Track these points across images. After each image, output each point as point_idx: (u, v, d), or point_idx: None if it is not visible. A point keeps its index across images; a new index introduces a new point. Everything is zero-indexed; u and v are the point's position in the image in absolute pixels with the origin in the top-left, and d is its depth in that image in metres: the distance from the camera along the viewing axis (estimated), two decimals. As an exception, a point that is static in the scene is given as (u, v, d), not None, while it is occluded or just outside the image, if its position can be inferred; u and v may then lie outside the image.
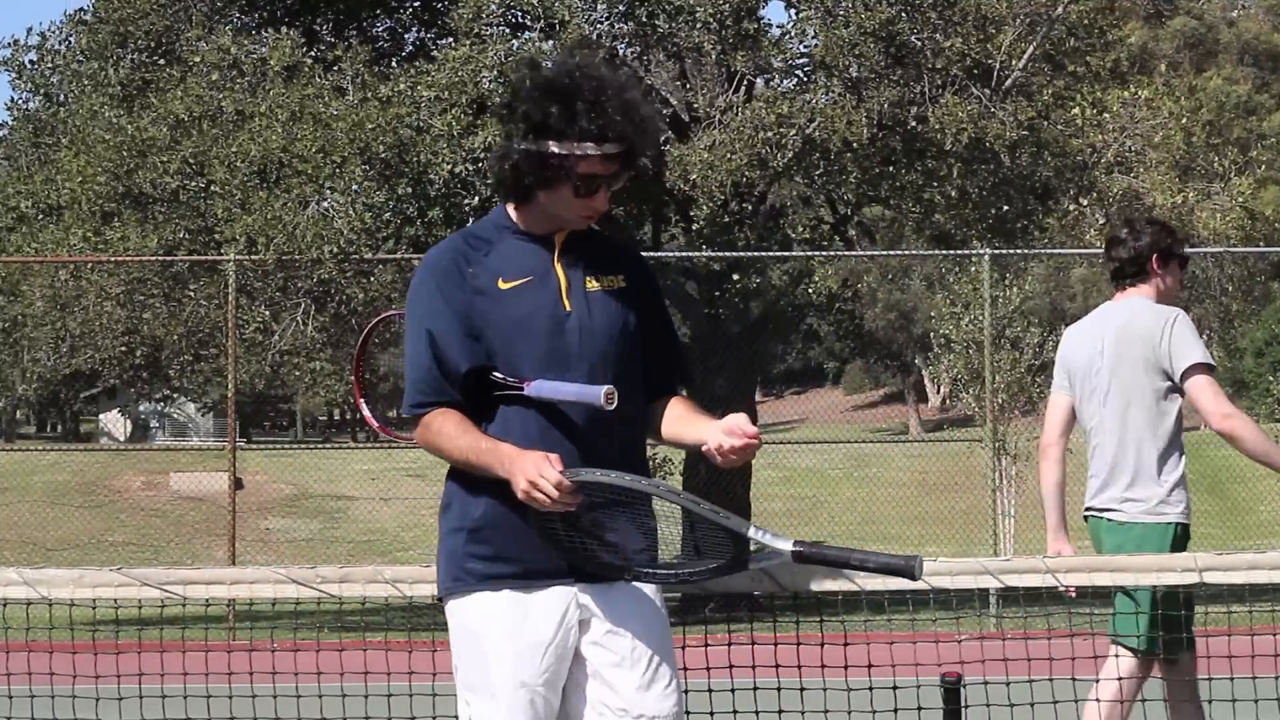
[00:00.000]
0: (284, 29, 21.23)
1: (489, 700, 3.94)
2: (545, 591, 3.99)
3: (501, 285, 3.98)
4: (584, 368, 3.98)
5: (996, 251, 20.83)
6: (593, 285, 4.03)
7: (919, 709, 4.97)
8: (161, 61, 21.85)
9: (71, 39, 22.92)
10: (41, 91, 23.73)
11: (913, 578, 3.84)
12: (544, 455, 3.84)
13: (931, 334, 22.22)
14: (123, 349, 20.84)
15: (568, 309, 3.99)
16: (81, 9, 23.35)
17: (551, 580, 4.00)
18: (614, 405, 3.92)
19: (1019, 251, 22.69)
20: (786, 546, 3.88)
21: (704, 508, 4.01)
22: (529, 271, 4.00)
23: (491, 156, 4.07)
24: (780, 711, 4.92)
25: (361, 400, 4.23)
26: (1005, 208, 22.11)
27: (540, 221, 4.04)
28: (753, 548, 3.96)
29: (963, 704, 5.06)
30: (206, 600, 4.31)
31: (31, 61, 23.52)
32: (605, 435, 4.02)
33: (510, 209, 4.10)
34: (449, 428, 3.95)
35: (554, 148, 3.89)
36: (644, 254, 22.23)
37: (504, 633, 3.95)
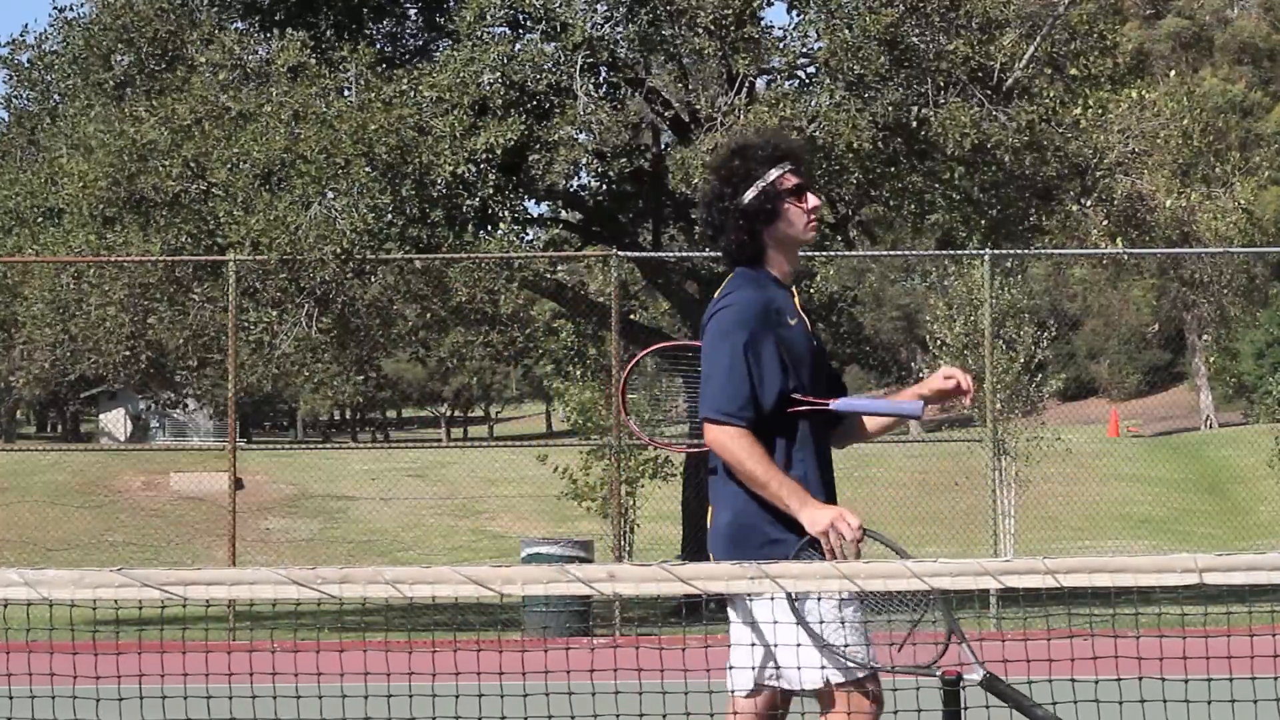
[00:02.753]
0: (288, 31, 21.23)
1: None
2: None
3: (790, 323, 4.87)
4: (820, 390, 4.89)
5: (996, 252, 20.83)
6: (806, 322, 4.95)
7: (919, 711, 4.98)
8: (163, 66, 21.84)
9: (70, 41, 22.90)
10: (38, 89, 23.72)
11: None
12: (844, 510, 4.70)
13: (929, 335, 22.20)
14: (127, 353, 20.82)
15: (815, 341, 4.95)
16: (67, 7, 23.33)
17: None
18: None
19: (1019, 252, 22.70)
20: (977, 676, 4.67)
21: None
22: (795, 314, 4.92)
23: (729, 231, 4.91)
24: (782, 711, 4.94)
25: (629, 419, 5.15)
26: (1008, 210, 22.10)
27: (777, 268, 4.95)
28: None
29: (962, 705, 5.07)
30: (207, 601, 4.34)
31: (30, 60, 23.52)
32: (829, 452, 4.99)
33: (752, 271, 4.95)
34: (758, 450, 4.75)
35: (768, 177, 4.86)
36: (639, 254, 21.85)
37: None
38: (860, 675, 4.81)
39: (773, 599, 4.69)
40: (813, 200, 4.93)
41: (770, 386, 4.80)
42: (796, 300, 4.99)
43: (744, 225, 4.88)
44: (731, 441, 4.79)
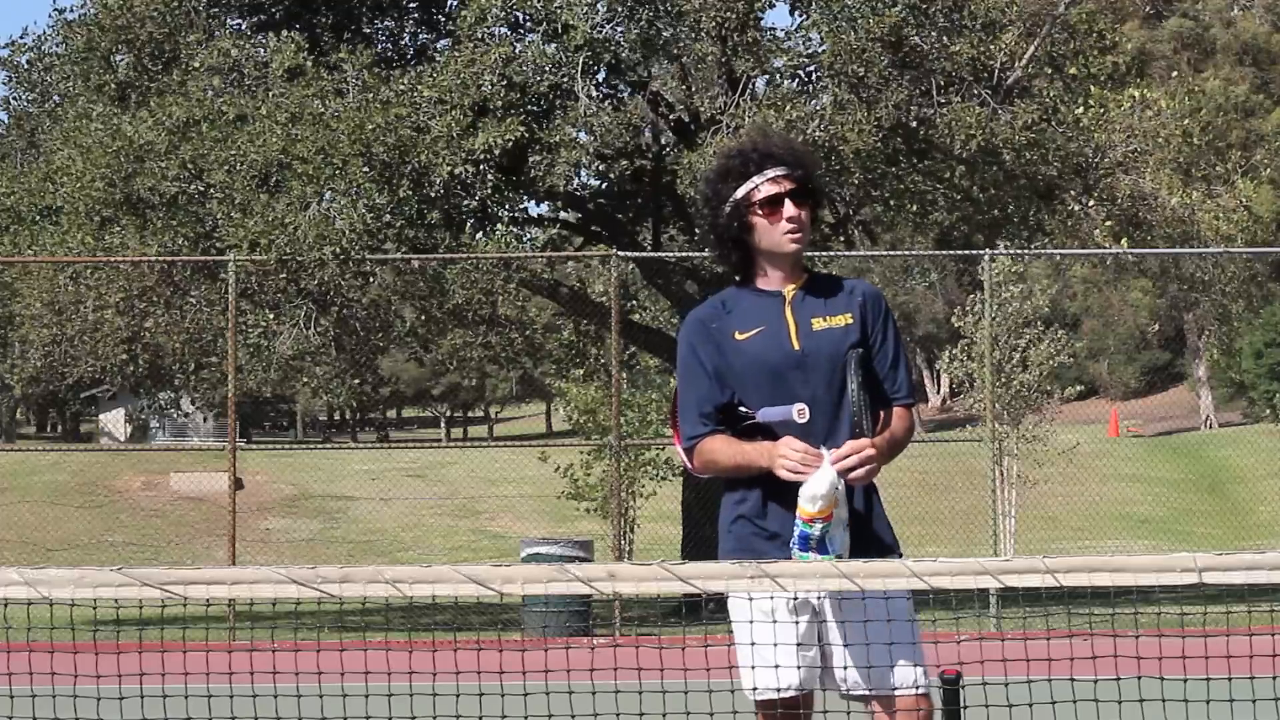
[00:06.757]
0: (285, 32, 21.22)
1: None
2: None
3: (737, 337, 4.74)
4: (808, 394, 4.68)
5: (998, 252, 20.83)
6: (819, 324, 4.73)
7: (918, 710, 4.97)
8: (160, 66, 21.84)
9: (69, 42, 22.89)
10: (37, 90, 23.72)
11: None
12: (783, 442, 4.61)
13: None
14: (124, 356, 20.81)
15: (797, 347, 4.71)
16: (66, 8, 23.34)
17: None
18: (805, 419, 4.61)
19: (1020, 251, 22.69)
20: None
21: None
22: (762, 322, 4.74)
23: (709, 248, 4.95)
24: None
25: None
26: (1009, 209, 22.10)
27: (769, 278, 4.80)
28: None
29: (962, 704, 5.08)
30: (207, 600, 4.34)
31: (29, 62, 23.52)
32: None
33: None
34: (722, 447, 4.73)
35: (737, 194, 4.75)
36: (639, 254, 21.84)
37: None
38: (755, 697, 4.70)
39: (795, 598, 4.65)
40: (789, 209, 4.72)
41: (708, 396, 4.76)
42: (788, 307, 4.76)
43: (715, 243, 4.86)
44: (701, 459, 4.80)
